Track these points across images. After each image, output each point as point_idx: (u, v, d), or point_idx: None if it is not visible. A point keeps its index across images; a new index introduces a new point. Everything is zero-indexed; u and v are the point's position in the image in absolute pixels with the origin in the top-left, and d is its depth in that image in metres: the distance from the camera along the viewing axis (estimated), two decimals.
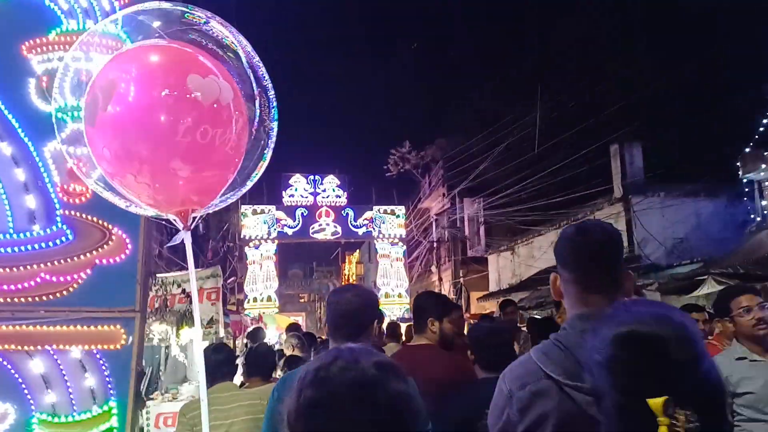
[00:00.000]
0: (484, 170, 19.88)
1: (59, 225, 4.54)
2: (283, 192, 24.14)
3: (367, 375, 1.08)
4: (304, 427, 1.08)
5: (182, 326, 10.42)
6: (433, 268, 24.76)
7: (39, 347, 4.37)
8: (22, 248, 4.46)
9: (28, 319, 4.38)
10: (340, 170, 25.04)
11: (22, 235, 4.50)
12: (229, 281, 21.21)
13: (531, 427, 1.60)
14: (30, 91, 4.63)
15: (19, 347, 4.36)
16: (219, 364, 4.31)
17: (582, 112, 16.64)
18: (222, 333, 12.22)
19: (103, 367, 4.44)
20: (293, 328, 11.11)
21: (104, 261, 4.56)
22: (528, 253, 19.07)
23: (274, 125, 3.20)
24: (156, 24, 2.96)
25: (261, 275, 23.75)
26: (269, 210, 23.97)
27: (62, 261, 4.49)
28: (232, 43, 3.01)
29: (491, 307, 19.81)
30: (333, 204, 24.30)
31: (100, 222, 4.60)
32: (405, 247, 24.77)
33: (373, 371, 1.09)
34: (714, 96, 15.69)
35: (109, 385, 4.42)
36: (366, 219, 24.41)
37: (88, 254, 4.54)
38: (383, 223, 24.51)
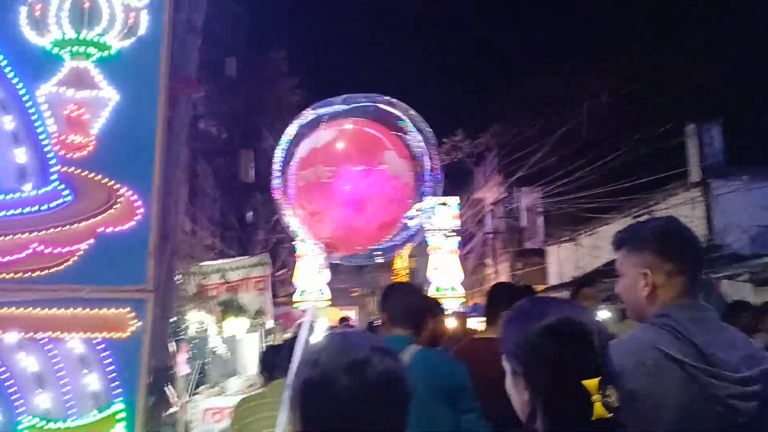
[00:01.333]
0: (543, 156, 18.50)
1: (55, 184, 3.60)
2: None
3: (359, 356, 1.19)
4: (303, 407, 1.20)
5: (226, 316, 9.53)
6: (489, 261, 23.45)
7: (28, 335, 3.43)
8: (10, 212, 3.54)
9: (15, 301, 3.45)
10: None
11: (9, 196, 3.58)
12: (279, 273, 20.40)
13: (648, 404, 1.59)
14: (20, 20, 3.71)
15: (4, 335, 3.43)
16: (280, 360, 3.71)
17: (654, 89, 15.15)
18: (271, 324, 11.31)
19: (107, 361, 3.47)
20: (343, 321, 10.22)
21: (110, 229, 3.60)
22: (593, 243, 17.62)
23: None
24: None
25: (312, 268, 22.84)
26: None
27: (58, 228, 3.54)
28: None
29: None
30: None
31: (105, 181, 3.64)
32: (459, 239, 23.51)
33: (364, 352, 1.20)
34: None
35: (115, 384, 3.45)
36: (417, 210, 23.26)
37: (89, 220, 3.58)
38: (435, 214, 23.31)
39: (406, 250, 35.82)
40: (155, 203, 3.62)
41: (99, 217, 3.58)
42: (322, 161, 2.96)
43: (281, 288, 21.38)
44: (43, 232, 3.51)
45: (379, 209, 3.04)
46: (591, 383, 1.19)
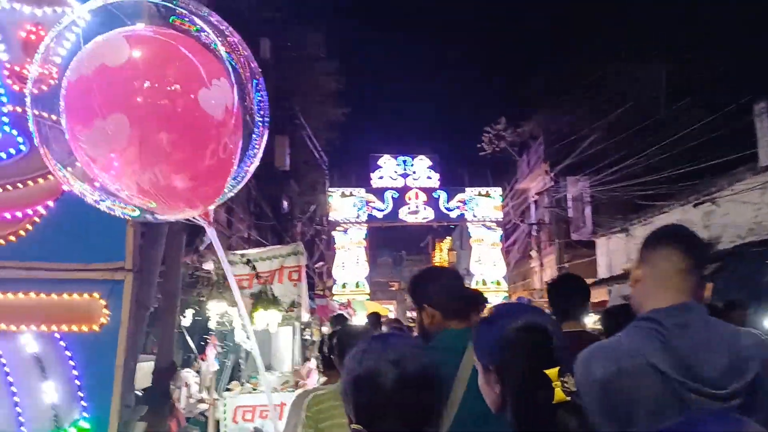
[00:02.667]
0: (592, 143, 17.17)
1: (5, 129, 2.68)
2: (372, 174, 22.31)
3: (400, 353, 1.37)
4: (354, 398, 1.37)
5: (256, 309, 8.61)
6: (533, 253, 22.18)
7: None
8: None
9: None
10: (431, 150, 22.91)
11: None
12: (317, 266, 19.57)
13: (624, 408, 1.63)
14: None
15: None
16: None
17: (718, 65, 13.73)
18: (306, 318, 10.40)
19: (71, 363, 2.54)
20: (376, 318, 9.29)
21: None
22: (646, 233, 16.21)
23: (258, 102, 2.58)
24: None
25: (350, 260, 22.04)
26: (358, 192, 22.19)
27: (10, 187, 2.62)
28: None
29: (600, 295, 17.16)
30: (424, 186, 22.24)
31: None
32: (502, 232, 22.35)
33: (405, 350, 1.39)
34: None
35: (80, 393, 2.52)
36: (459, 201, 22.21)
37: (50, 176, 2.65)
38: (477, 205, 22.22)
39: (446, 243, 34.78)
40: None
41: None
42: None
43: (319, 281, 20.54)
44: None
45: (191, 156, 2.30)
46: (552, 372, 1.34)
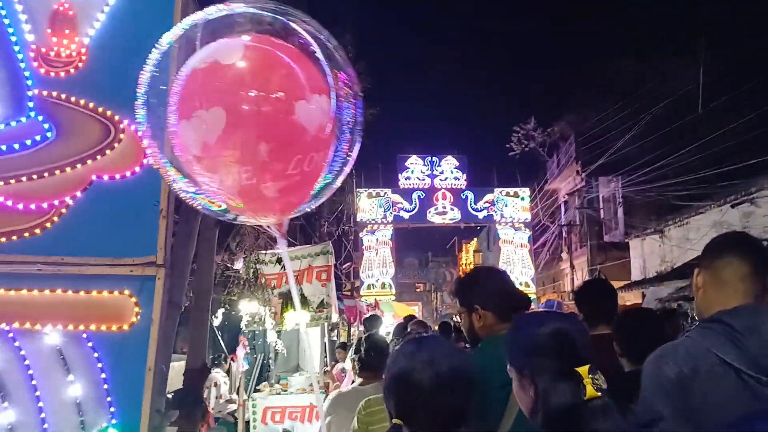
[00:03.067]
0: (625, 143, 16.72)
1: (31, 114, 2.49)
2: (399, 174, 22.08)
3: (435, 354, 1.49)
4: (395, 395, 1.50)
5: (286, 309, 8.42)
6: (564, 255, 21.71)
7: None
8: None
9: None
10: (459, 150, 22.63)
11: None
12: (344, 266, 19.38)
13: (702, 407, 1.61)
14: None
15: None
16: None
17: (754, 63, 13.23)
18: (335, 318, 10.19)
19: (99, 365, 2.34)
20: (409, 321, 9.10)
21: (107, 177, 2.46)
22: (682, 235, 15.79)
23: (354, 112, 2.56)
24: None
25: (377, 261, 21.84)
26: (385, 193, 21.98)
27: (35, 177, 2.44)
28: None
29: (634, 298, 16.74)
30: (451, 186, 21.93)
31: (102, 110, 2.50)
32: (530, 232, 21.94)
33: (440, 352, 1.51)
34: None
35: (109, 398, 2.32)
36: (486, 202, 21.86)
37: (78, 165, 2.46)
38: (506, 206, 21.84)
39: (473, 245, 34.38)
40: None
41: (92, 161, 2.45)
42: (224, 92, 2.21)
43: (346, 281, 20.35)
44: (12, 181, 2.41)
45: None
46: (583, 370, 1.41)
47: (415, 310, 26.25)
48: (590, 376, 1.41)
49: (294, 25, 2.39)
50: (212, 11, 2.31)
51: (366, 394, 2.98)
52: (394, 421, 1.50)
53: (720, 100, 14.67)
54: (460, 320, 2.67)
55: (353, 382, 4.14)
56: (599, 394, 1.40)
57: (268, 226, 2.63)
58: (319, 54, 2.44)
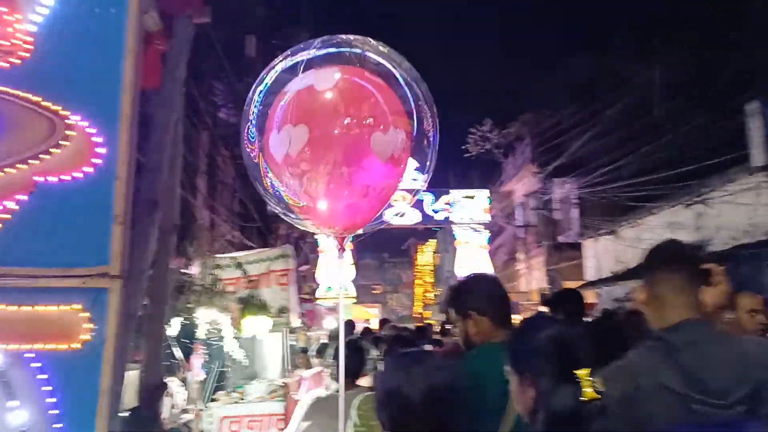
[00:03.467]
0: (581, 145, 16.93)
1: None
2: None
3: (428, 369, 1.59)
4: (388, 409, 1.59)
5: (245, 315, 8.16)
6: (520, 256, 21.89)
7: None
8: None
9: None
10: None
11: None
12: (301, 269, 19.08)
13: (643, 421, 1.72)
14: None
15: None
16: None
17: (708, 67, 13.55)
18: (297, 323, 9.98)
19: (47, 388, 2.11)
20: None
21: (54, 178, 2.22)
22: (635, 235, 16.08)
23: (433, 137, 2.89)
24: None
25: (335, 263, 21.64)
26: None
27: None
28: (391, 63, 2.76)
29: (589, 297, 16.99)
30: (410, 188, 21.84)
31: (48, 104, 2.26)
32: (489, 234, 22.04)
33: (431, 367, 1.61)
34: None
35: (58, 424, 2.09)
36: (444, 204, 21.87)
37: (20, 165, 2.22)
38: (463, 207, 21.89)
39: (431, 247, 34.49)
40: (124, 138, 2.24)
41: (35, 161, 2.21)
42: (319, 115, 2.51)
43: (304, 284, 20.05)
44: None
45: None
46: (582, 373, 1.47)
47: (375, 312, 26.12)
48: (589, 378, 1.47)
49: (377, 58, 2.67)
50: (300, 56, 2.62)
51: (347, 399, 2.91)
52: None
53: (675, 102, 14.97)
54: (452, 328, 2.83)
55: (327, 387, 4.07)
56: (598, 396, 1.46)
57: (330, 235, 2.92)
58: (401, 84, 2.70)
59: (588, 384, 1.47)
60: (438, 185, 22.63)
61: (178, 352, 7.97)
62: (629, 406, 1.72)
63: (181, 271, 7.25)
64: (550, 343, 1.57)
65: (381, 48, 2.74)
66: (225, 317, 7.21)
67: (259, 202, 15.52)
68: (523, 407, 1.61)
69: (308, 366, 8.35)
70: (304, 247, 20.59)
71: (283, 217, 2.88)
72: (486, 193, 22.20)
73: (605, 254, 17.67)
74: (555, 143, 18.30)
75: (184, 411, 8.65)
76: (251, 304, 8.40)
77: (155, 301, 3.53)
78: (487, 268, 21.79)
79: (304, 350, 10.10)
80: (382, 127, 2.57)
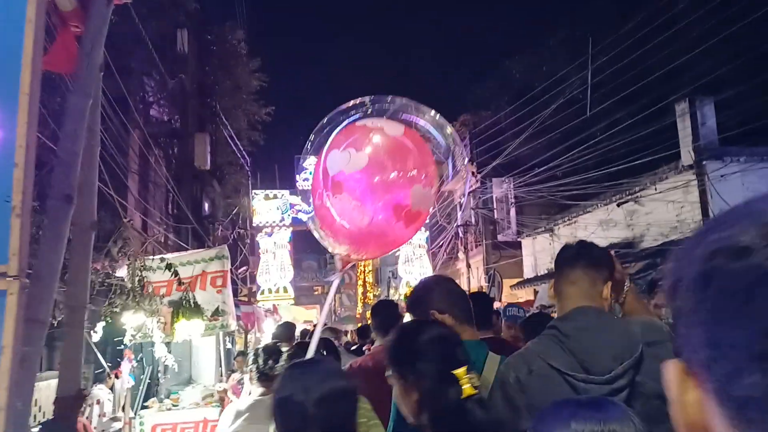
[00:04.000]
0: (519, 145, 17.18)
1: None
2: (297, 176, 21.56)
3: (316, 378, 1.64)
4: (280, 417, 1.63)
5: (177, 319, 7.80)
6: (461, 255, 22.06)
7: None
8: None
9: None
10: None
11: None
12: (240, 271, 18.62)
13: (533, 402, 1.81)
14: None
15: None
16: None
17: (638, 68, 13.91)
18: (233, 326, 9.64)
19: None
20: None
21: None
22: (571, 233, 16.42)
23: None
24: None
25: (275, 265, 21.24)
26: (282, 195, 21.44)
27: None
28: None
29: (526, 295, 17.28)
30: None
31: None
32: (428, 233, 22.14)
33: (322, 375, 1.66)
34: None
35: None
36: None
37: None
38: None
39: None
40: (23, 119, 1.98)
41: None
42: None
43: (243, 286, 19.59)
44: None
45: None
46: (460, 371, 1.57)
47: (314, 313, 25.81)
48: (467, 375, 1.57)
49: (426, 125, 2.95)
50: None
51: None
52: None
53: (606, 102, 15.28)
54: None
55: (250, 393, 3.91)
56: (475, 390, 1.58)
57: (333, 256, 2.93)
58: (440, 147, 3.05)
59: (466, 381, 1.56)
60: None
61: (103, 360, 7.55)
62: (521, 390, 1.83)
63: (107, 273, 6.85)
64: (429, 345, 1.65)
65: (432, 114, 3.04)
66: (154, 321, 6.83)
67: (195, 203, 15.10)
68: (408, 409, 1.66)
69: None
70: (244, 249, 20.14)
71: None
72: None
73: (542, 252, 18.00)
74: (493, 143, 18.53)
75: (114, 419, 8.24)
76: (184, 308, 8.04)
77: (72, 307, 3.25)
78: (427, 266, 21.88)
79: (242, 353, 9.78)
80: (423, 180, 2.86)
